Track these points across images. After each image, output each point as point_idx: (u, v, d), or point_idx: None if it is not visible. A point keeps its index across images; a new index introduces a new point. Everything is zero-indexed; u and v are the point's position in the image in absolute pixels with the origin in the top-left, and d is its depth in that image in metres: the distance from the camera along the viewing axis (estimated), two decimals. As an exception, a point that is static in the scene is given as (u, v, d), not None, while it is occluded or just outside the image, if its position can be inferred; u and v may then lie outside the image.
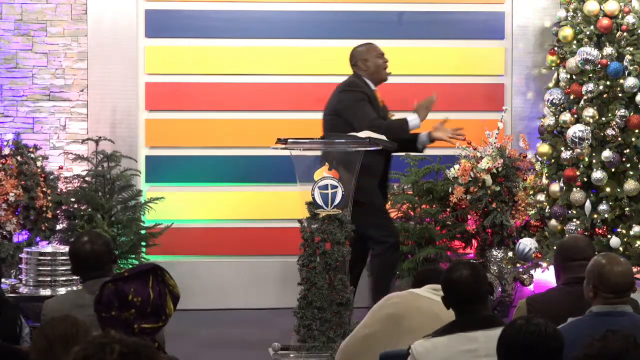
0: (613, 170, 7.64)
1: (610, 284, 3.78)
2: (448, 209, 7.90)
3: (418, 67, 8.52)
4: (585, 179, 7.65)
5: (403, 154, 7.86)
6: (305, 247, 6.39)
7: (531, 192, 7.91)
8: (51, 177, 7.75)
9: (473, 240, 7.99)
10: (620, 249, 7.46)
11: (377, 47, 7.20)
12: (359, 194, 6.49)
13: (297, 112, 8.42)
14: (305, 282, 6.36)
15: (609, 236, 7.52)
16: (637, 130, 7.62)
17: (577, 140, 7.54)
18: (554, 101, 7.76)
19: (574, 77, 7.80)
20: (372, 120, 6.91)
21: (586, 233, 7.58)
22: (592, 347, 2.82)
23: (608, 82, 7.66)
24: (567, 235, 4.75)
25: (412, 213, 7.94)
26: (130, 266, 7.50)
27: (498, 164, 7.76)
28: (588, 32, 7.77)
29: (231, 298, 8.26)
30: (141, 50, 8.36)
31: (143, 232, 7.86)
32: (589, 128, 7.56)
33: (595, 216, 7.58)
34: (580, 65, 7.66)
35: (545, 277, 7.59)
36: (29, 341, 4.46)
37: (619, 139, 7.61)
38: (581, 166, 7.66)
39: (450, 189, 7.86)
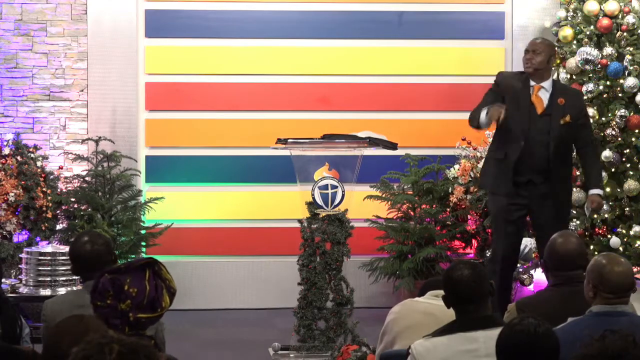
0: (613, 170, 7.65)
1: (611, 284, 3.77)
2: (448, 209, 7.90)
3: (418, 67, 8.52)
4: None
5: (403, 153, 7.86)
6: (305, 247, 6.39)
7: (531, 192, 7.90)
8: (51, 177, 7.75)
9: (473, 240, 7.99)
10: (620, 249, 7.46)
11: (532, 41, 6.61)
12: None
13: (297, 112, 8.42)
14: (305, 282, 6.36)
15: (609, 236, 7.52)
16: (637, 130, 7.62)
17: (577, 140, 7.54)
18: (554, 101, 7.76)
19: (574, 77, 7.81)
20: (475, 109, 6.58)
21: (586, 233, 7.58)
22: (590, 347, 2.81)
23: (608, 82, 7.66)
24: (558, 234, 4.59)
25: (412, 213, 7.94)
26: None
27: (498, 164, 7.75)
28: (588, 32, 7.77)
29: (231, 298, 8.26)
30: (141, 50, 8.36)
31: (143, 232, 7.86)
32: (589, 128, 7.57)
33: (595, 216, 7.58)
34: (580, 65, 7.66)
35: (545, 277, 7.57)
36: (29, 341, 4.46)
37: (619, 139, 7.62)
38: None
39: (450, 189, 7.86)
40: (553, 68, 7.95)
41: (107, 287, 3.41)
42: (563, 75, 7.84)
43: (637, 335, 2.85)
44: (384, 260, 7.93)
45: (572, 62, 7.75)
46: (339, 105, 8.45)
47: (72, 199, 7.71)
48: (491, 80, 8.50)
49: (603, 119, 7.64)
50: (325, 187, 6.39)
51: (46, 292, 6.66)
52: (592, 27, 7.79)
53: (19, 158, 7.66)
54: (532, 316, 3.24)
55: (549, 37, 8.24)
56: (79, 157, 7.84)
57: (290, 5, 8.45)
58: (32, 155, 7.74)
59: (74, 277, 6.59)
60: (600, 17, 7.77)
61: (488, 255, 7.86)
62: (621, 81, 7.64)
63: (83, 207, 7.70)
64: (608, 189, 7.60)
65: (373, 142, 6.46)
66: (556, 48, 7.94)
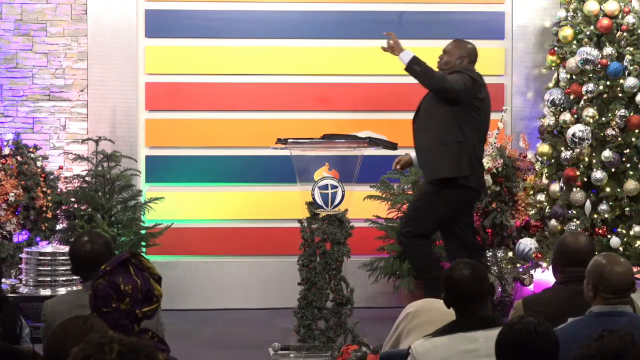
0: (613, 170, 7.65)
1: (611, 284, 3.77)
2: (448, 209, 7.89)
3: (418, 67, 8.51)
4: (585, 179, 7.65)
5: (403, 153, 7.85)
6: (305, 247, 6.39)
7: (531, 192, 7.91)
8: (51, 177, 7.75)
9: (473, 240, 7.98)
10: (620, 249, 7.46)
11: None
12: None
13: (297, 112, 8.42)
14: (305, 282, 6.36)
15: (609, 236, 7.52)
16: (637, 130, 7.62)
17: (577, 140, 7.54)
18: (554, 101, 7.77)
19: (574, 77, 7.81)
20: None
21: (586, 233, 7.58)
22: (589, 347, 2.81)
23: (608, 82, 7.66)
24: (568, 233, 4.66)
25: (412, 213, 7.93)
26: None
27: (498, 164, 7.76)
28: (588, 32, 7.77)
29: (231, 298, 8.25)
30: (141, 50, 8.36)
31: (143, 232, 7.85)
32: (589, 128, 7.56)
33: (595, 216, 7.58)
34: (580, 65, 7.66)
35: (545, 277, 7.58)
36: (29, 341, 4.46)
37: (619, 139, 7.62)
38: (581, 166, 7.66)
39: (450, 189, 7.85)
40: (552, 69, 7.97)
41: (108, 292, 3.42)
42: (563, 75, 7.85)
43: (636, 334, 2.85)
44: (384, 260, 7.93)
45: (572, 62, 7.75)
46: (338, 105, 8.46)
47: (72, 199, 7.71)
48: (491, 80, 8.54)
49: (603, 119, 7.64)
50: (325, 187, 6.39)
51: (46, 292, 6.66)
52: (592, 27, 7.79)
53: (19, 158, 7.66)
54: (532, 315, 3.24)
55: (549, 37, 8.25)
56: (79, 157, 7.84)
57: (290, 5, 8.45)
58: (32, 155, 7.74)
59: (74, 277, 6.59)
60: (600, 17, 7.77)
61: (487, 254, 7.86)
62: (621, 81, 7.64)
63: (83, 207, 7.70)
64: (608, 189, 7.61)
65: (373, 142, 6.46)
66: (555, 48, 7.96)
